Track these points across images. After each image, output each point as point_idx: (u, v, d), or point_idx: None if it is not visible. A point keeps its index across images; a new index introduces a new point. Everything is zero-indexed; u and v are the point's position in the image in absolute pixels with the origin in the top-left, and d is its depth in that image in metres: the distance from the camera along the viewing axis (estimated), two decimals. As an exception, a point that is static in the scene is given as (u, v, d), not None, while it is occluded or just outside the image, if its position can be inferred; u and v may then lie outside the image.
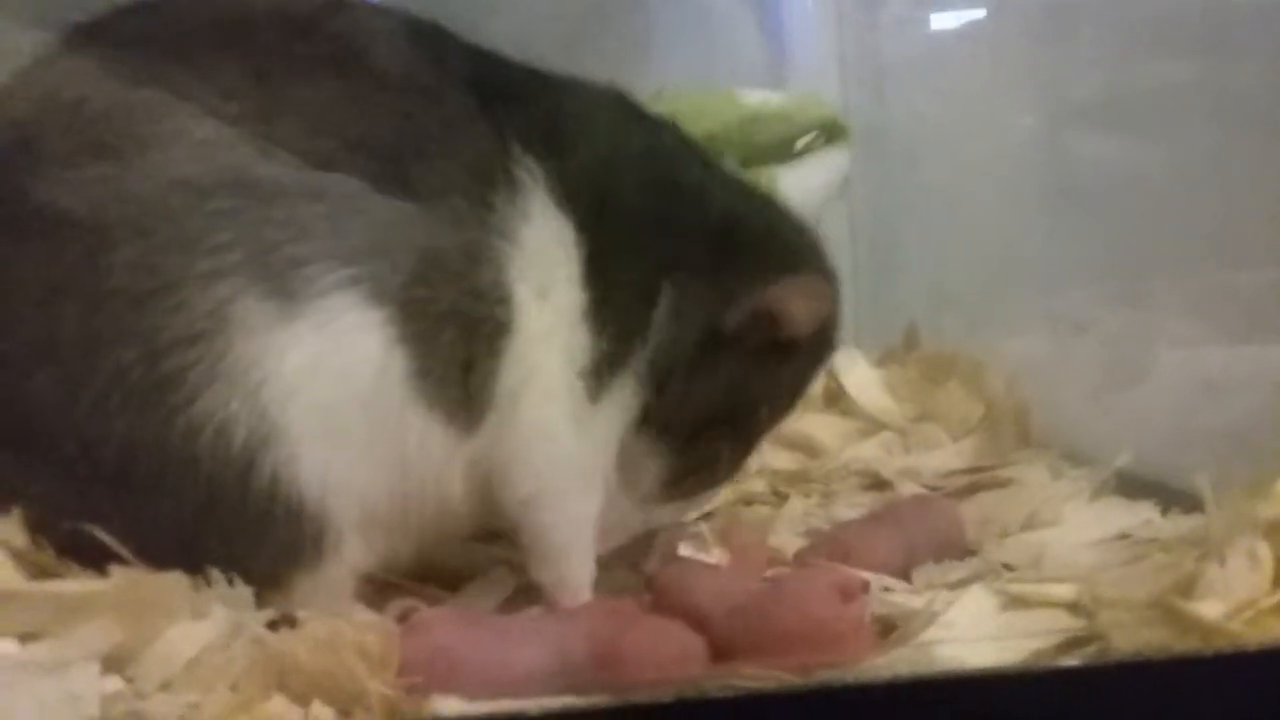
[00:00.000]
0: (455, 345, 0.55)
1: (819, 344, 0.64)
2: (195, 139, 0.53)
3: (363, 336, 0.54)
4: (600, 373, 0.58)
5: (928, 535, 0.68)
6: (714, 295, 0.60)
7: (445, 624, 0.53)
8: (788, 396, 0.65)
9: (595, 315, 0.58)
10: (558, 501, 0.59)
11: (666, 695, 0.47)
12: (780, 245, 0.63)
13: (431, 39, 0.60)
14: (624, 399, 0.59)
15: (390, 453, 0.55)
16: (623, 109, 0.63)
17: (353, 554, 0.55)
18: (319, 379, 0.53)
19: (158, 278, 0.52)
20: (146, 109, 0.54)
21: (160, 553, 0.51)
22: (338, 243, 0.53)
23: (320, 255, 0.53)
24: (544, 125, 0.59)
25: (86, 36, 0.57)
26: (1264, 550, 0.52)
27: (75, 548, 0.52)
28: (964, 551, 0.68)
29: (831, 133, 0.97)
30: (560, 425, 0.58)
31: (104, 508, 0.52)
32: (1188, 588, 0.52)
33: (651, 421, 0.60)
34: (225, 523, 0.52)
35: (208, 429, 0.52)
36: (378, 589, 0.59)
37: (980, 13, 1.06)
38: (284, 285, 0.52)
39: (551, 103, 0.60)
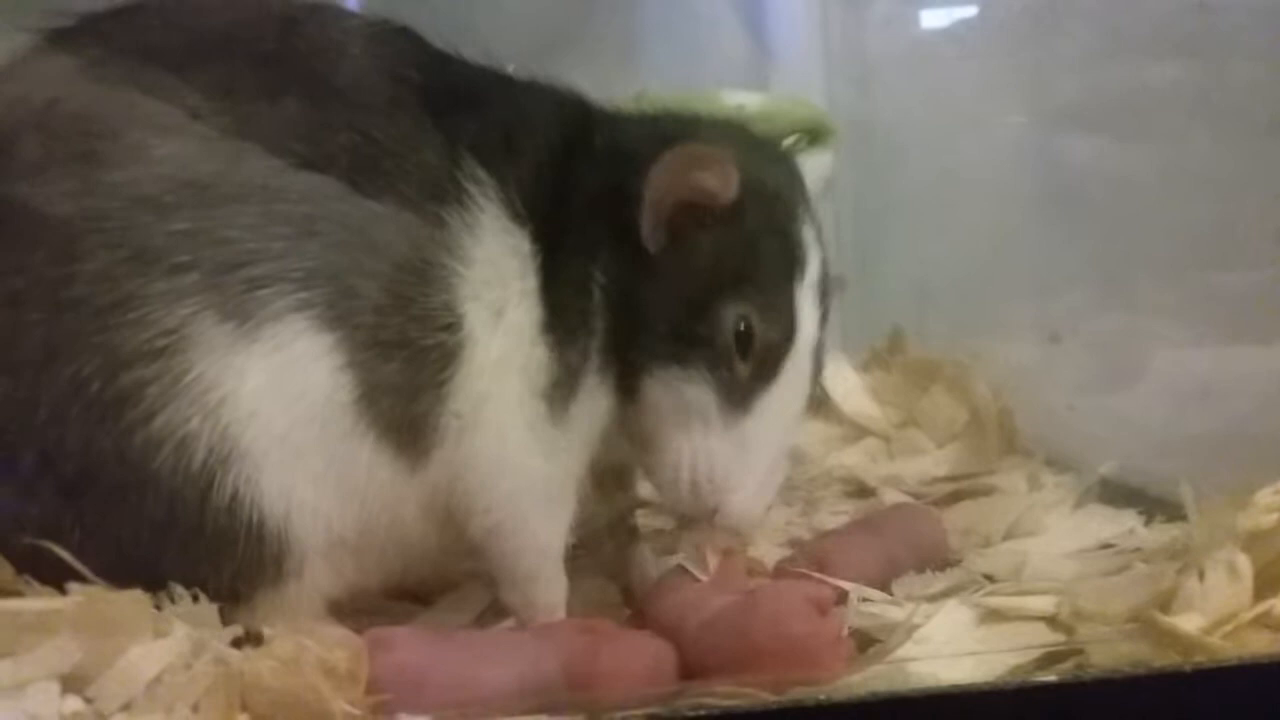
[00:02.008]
0: (401, 374, 0.54)
1: (765, 193, 0.60)
2: (161, 154, 0.53)
3: (313, 362, 0.53)
4: (564, 389, 0.57)
5: (909, 545, 0.67)
6: (628, 230, 0.58)
7: (412, 641, 0.52)
8: (779, 252, 0.61)
9: (552, 328, 0.57)
10: (524, 530, 0.58)
11: (638, 714, 0.46)
12: (654, 140, 0.59)
13: (395, 45, 0.59)
14: (591, 403, 0.58)
15: (347, 480, 0.54)
16: (572, 111, 0.62)
17: (317, 577, 0.55)
18: (277, 401, 0.53)
19: (120, 291, 0.51)
20: (117, 115, 0.54)
21: (120, 567, 0.51)
22: (291, 264, 0.53)
23: (274, 278, 0.53)
24: (495, 134, 0.58)
25: (66, 39, 0.57)
26: (1244, 562, 0.51)
27: (34, 564, 0.51)
28: (946, 561, 0.67)
29: (816, 134, 0.96)
30: (522, 455, 0.57)
31: (64, 520, 0.51)
32: (1167, 601, 0.52)
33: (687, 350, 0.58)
34: (185, 538, 0.52)
35: (167, 445, 0.51)
36: (349, 600, 0.58)
37: (968, 12, 1.05)
38: (240, 307, 0.52)
39: (503, 110, 0.59)
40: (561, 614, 0.59)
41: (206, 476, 0.51)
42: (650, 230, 0.58)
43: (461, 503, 0.57)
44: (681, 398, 0.58)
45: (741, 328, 0.58)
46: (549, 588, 0.59)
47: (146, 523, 0.52)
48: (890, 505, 0.77)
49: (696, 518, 0.59)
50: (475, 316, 0.56)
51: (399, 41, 0.60)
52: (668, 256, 0.58)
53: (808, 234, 0.62)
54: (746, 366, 0.58)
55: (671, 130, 0.61)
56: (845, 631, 0.55)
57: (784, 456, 0.62)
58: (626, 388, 0.59)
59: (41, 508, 0.52)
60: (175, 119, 0.54)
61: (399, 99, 0.57)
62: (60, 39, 0.57)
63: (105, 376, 0.51)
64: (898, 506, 0.76)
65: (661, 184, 0.57)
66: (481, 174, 0.57)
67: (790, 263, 0.60)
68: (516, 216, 0.57)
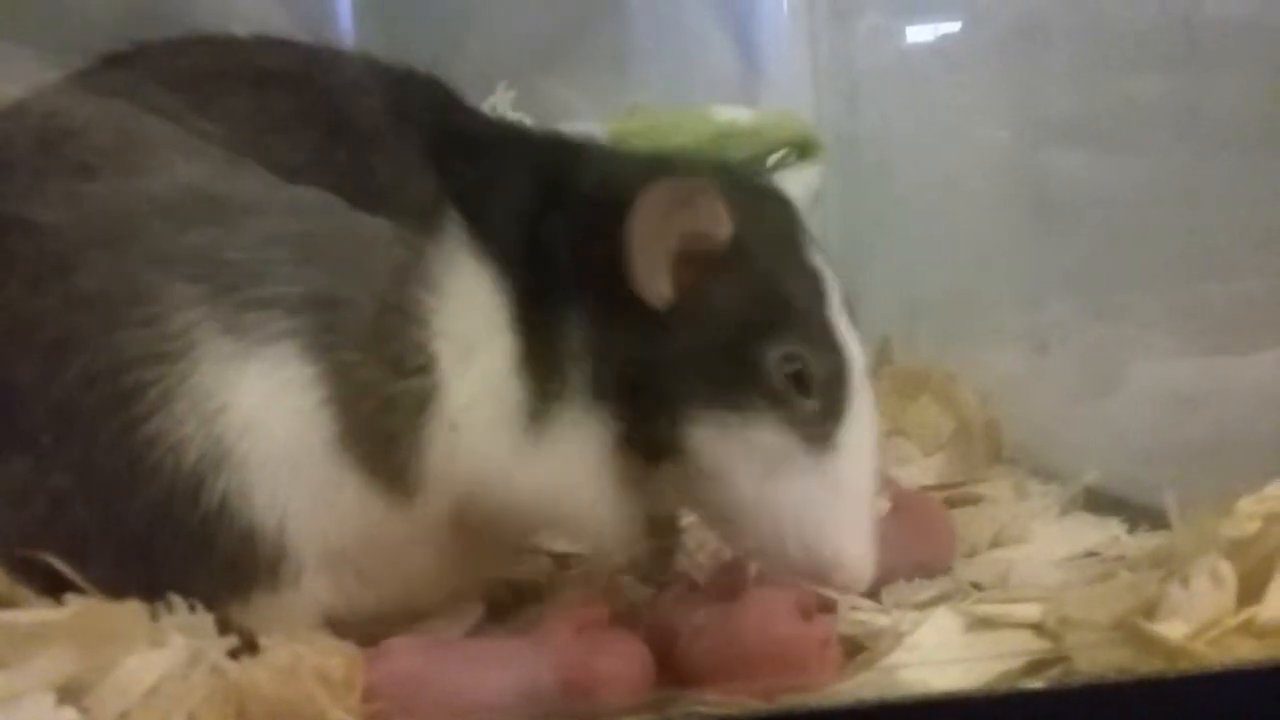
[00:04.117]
0: (378, 417, 0.55)
1: (764, 222, 0.58)
2: (181, 170, 0.55)
3: (300, 390, 0.54)
4: (541, 418, 0.56)
5: (906, 550, 0.67)
6: (622, 284, 0.55)
7: (410, 649, 0.52)
8: (800, 281, 0.58)
9: (526, 368, 0.56)
10: (568, 517, 0.58)
11: (628, 722, 0.47)
12: (636, 179, 0.56)
13: (411, 92, 0.60)
14: (578, 435, 0.56)
15: (341, 505, 0.55)
16: (558, 156, 0.61)
17: (316, 588, 0.55)
18: (274, 418, 0.53)
19: (131, 293, 0.53)
20: (148, 131, 0.56)
21: (121, 554, 0.52)
22: (287, 290, 0.54)
23: (270, 302, 0.54)
24: (479, 180, 0.58)
25: (99, 67, 0.60)
26: (1227, 570, 0.52)
27: (30, 572, 0.52)
28: (947, 566, 0.67)
29: (804, 149, 0.97)
30: (513, 479, 0.56)
31: (68, 507, 0.52)
32: (1152, 608, 0.52)
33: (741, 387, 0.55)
34: (180, 533, 0.53)
35: (163, 444, 0.52)
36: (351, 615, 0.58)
37: (954, 26, 1.06)
38: (240, 324, 0.53)
39: (491, 157, 0.60)
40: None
41: (197, 479, 0.52)
42: (648, 283, 0.55)
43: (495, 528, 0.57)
44: (750, 444, 0.54)
45: (796, 369, 0.55)
46: (607, 528, 0.58)
47: (144, 514, 0.52)
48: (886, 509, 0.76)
49: (806, 579, 0.55)
50: (448, 358, 0.56)
51: (417, 87, 0.61)
52: (677, 308, 0.56)
53: (816, 256, 0.59)
54: (811, 403, 0.55)
55: (644, 170, 0.58)
56: (833, 636, 0.55)
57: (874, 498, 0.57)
58: (653, 442, 0.56)
59: (47, 492, 0.52)
60: (196, 140, 0.56)
61: (407, 143, 0.58)
62: (100, 65, 0.60)
63: (111, 372, 0.52)
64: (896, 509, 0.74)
65: (646, 230, 0.55)
66: (459, 217, 0.57)
67: (814, 288, 0.58)
68: (489, 268, 0.57)
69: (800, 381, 0.55)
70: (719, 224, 0.56)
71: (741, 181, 0.62)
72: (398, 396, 0.55)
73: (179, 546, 0.53)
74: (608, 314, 0.56)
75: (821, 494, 0.54)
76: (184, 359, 0.52)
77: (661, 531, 0.64)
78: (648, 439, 0.56)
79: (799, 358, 0.55)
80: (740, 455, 0.55)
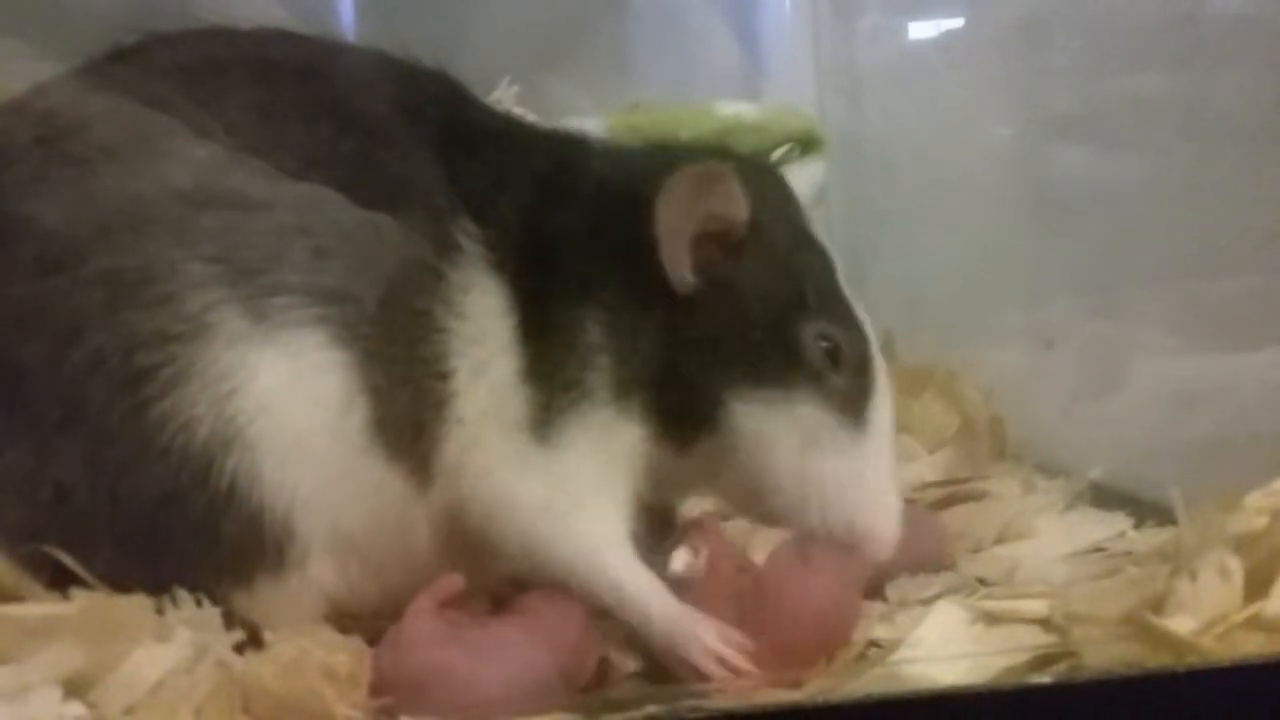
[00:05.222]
0: (408, 409, 0.55)
1: (775, 203, 0.60)
2: (201, 157, 0.55)
3: (327, 376, 0.54)
4: (552, 419, 0.56)
5: (905, 548, 0.67)
6: (647, 277, 0.57)
7: (424, 641, 0.52)
8: (816, 259, 0.60)
9: (535, 373, 0.56)
10: (557, 552, 0.56)
11: (637, 715, 0.47)
12: (649, 171, 0.58)
13: (422, 88, 0.61)
14: (603, 430, 0.57)
15: (358, 490, 0.55)
16: (569, 154, 0.62)
17: (322, 572, 0.55)
18: (289, 402, 0.54)
19: (147, 274, 0.53)
20: (166, 118, 0.56)
21: (129, 535, 0.53)
22: (310, 279, 0.54)
23: (292, 288, 0.54)
24: (487, 183, 0.58)
25: (99, 64, 0.60)
26: (1235, 565, 0.52)
27: (37, 564, 0.52)
28: (944, 564, 0.67)
29: (808, 144, 0.97)
30: (514, 488, 0.56)
31: (78, 488, 0.53)
32: (1159, 603, 0.52)
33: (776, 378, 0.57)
34: (186, 515, 0.53)
35: (173, 424, 0.52)
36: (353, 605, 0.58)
37: (957, 23, 1.06)
38: (259, 309, 0.53)
39: (498, 157, 0.60)
40: (661, 597, 0.55)
41: (207, 459, 0.53)
42: (674, 269, 0.56)
43: (487, 541, 0.56)
44: (793, 419, 0.57)
45: (825, 345, 0.57)
46: (625, 581, 0.55)
47: (152, 494, 0.53)
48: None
49: (841, 546, 0.57)
50: (464, 371, 0.56)
51: (429, 83, 0.61)
52: (703, 292, 0.57)
53: (819, 234, 0.61)
54: (843, 379, 0.58)
55: (660, 160, 0.59)
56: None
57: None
58: (687, 426, 0.57)
59: (55, 474, 0.53)
60: (215, 131, 0.56)
61: (419, 140, 0.58)
62: (99, 62, 0.60)
63: (123, 353, 0.52)
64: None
65: (671, 217, 0.56)
66: (471, 227, 0.57)
67: (826, 265, 0.60)
68: (499, 268, 0.57)
69: (833, 359, 0.57)
70: (738, 207, 0.57)
71: (746, 164, 0.63)
72: (427, 392, 0.55)
73: (186, 528, 0.53)
74: (628, 306, 0.57)
75: (856, 468, 0.57)
76: (198, 340, 0.53)
77: (660, 522, 0.64)
78: (682, 423, 0.57)
79: (830, 335, 0.58)
80: (783, 430, 0.57)
